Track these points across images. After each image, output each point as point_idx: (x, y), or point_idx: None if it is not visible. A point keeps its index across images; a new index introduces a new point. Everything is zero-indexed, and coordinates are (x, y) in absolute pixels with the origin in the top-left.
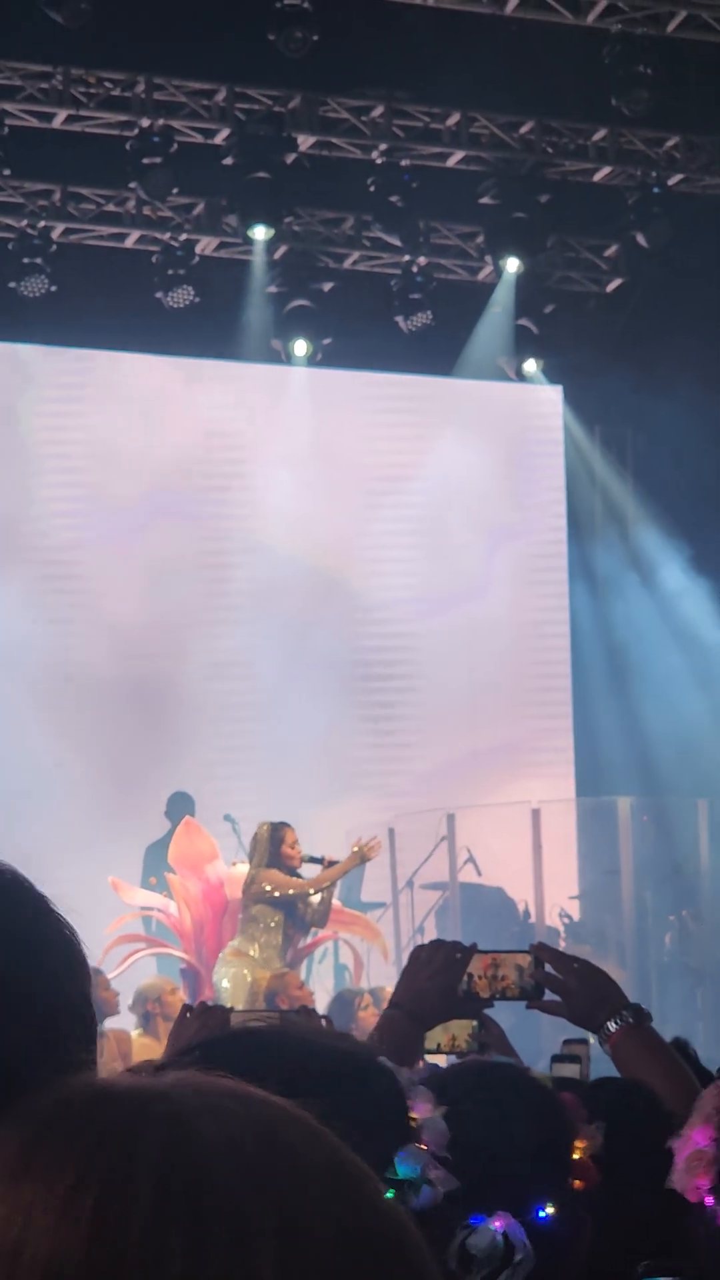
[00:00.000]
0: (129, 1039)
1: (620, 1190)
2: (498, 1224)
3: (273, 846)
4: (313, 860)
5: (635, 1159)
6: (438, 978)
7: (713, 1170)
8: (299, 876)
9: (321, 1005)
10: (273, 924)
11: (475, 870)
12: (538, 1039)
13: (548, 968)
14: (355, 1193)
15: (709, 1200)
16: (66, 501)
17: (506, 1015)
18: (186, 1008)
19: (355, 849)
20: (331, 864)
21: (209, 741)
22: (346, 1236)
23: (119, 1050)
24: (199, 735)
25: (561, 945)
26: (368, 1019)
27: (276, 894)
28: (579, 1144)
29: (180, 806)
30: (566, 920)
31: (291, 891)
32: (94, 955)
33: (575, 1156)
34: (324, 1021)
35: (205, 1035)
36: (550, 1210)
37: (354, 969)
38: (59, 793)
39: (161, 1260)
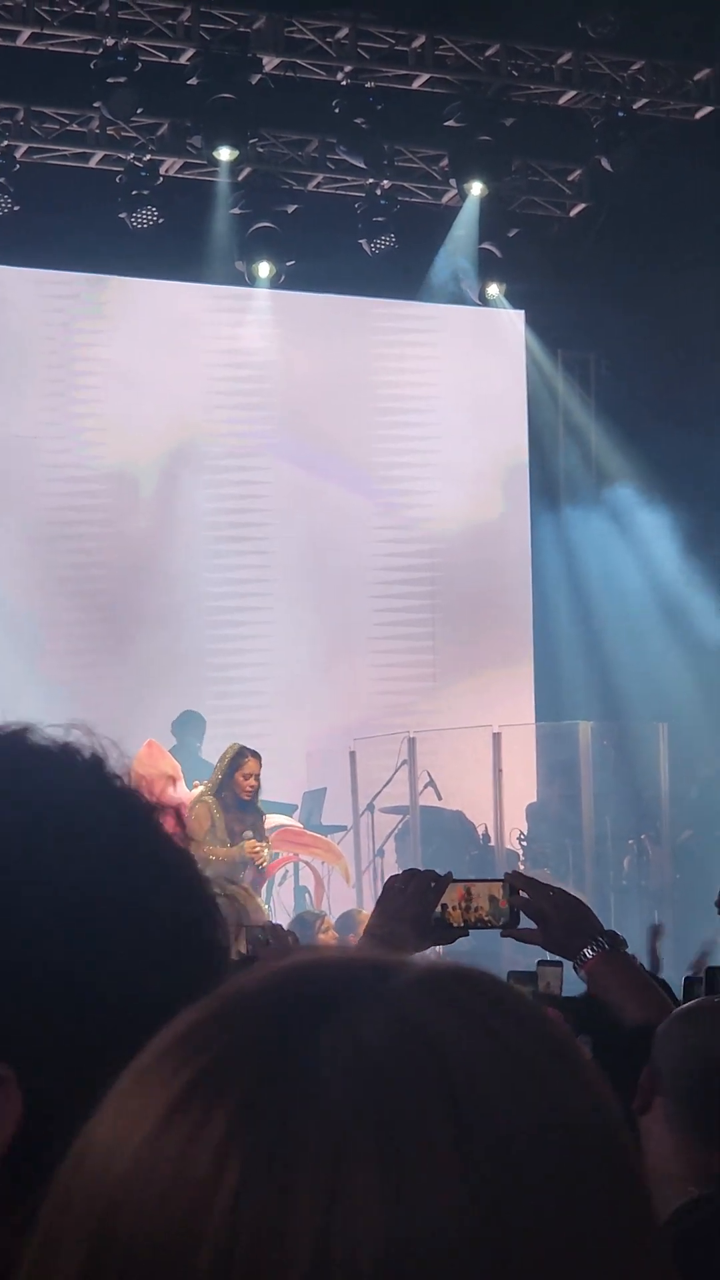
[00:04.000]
0: None
1: None
2: None
3: (229, 769)
4: (253, 808)
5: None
6: (410, 906)
7: None
8: (247, 809)
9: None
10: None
11: (435, 794)
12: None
13: (523, 895)
14: (584, 1189)
15: None
16: (36, 424)
17: (472, 941)
18: None
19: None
20: (278, 807)
21: (182, 661)
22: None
23: None
24: (174, 656)
25: (521, 868)
26: (327, 941)
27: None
28: None
29: (188, 724)
30: (525, 844)
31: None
32: None
33: None
34: (290, 939)
35: None
36: None
37: (315, 891)
38: (65, 709)
39: (322, 1270)
